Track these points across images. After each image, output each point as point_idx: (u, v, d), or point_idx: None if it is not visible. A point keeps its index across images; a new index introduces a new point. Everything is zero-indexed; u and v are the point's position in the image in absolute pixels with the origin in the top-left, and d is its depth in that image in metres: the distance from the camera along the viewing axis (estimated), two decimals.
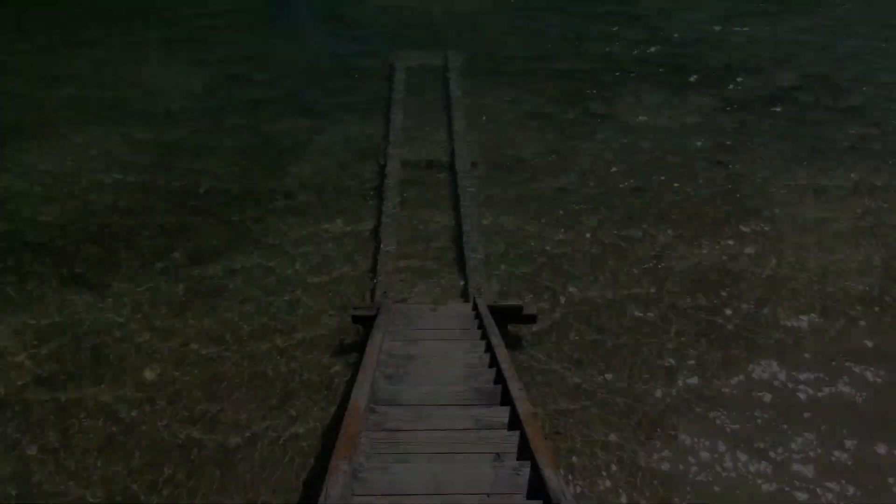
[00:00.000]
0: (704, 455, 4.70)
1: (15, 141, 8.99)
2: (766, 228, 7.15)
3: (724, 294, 6.27)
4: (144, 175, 8.20)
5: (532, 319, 5.72)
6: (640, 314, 6.02)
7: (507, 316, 5.70)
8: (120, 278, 6.49)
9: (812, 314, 6.01)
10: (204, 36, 12.40)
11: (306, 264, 6.74)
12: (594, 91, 10.12)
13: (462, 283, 6.45)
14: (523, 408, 3.78)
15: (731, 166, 8.24)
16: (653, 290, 6.30)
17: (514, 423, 3.75)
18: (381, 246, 6.89)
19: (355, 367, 5.24)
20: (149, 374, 5.42)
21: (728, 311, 6.06)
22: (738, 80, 10.43)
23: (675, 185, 7.92)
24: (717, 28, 12.43)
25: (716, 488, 4.48)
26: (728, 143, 8.75)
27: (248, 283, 6.47)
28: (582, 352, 5.60)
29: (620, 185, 7.91)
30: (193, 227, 7.26)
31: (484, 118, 9.41)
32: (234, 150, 8.73)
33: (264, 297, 6.30)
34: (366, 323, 5.61)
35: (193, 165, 8.39)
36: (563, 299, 6.18)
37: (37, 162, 8.48)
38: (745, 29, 12.34)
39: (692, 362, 5.51)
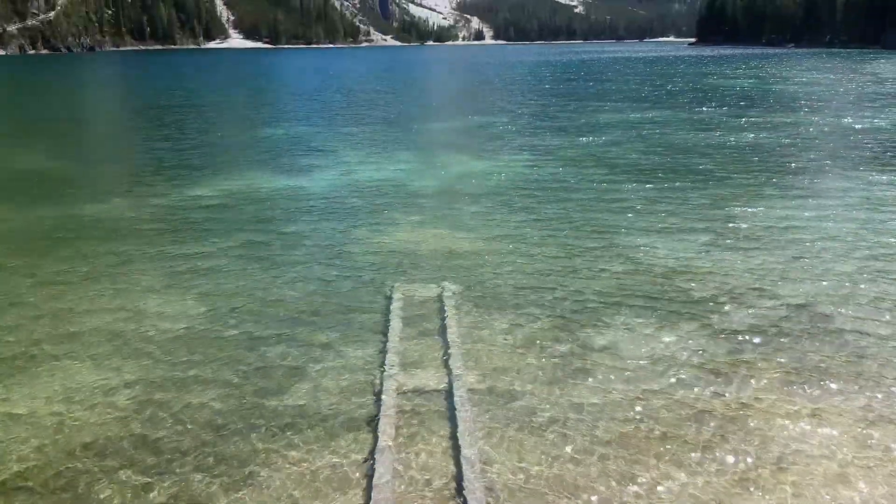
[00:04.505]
0: None
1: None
2: (768, 457, 6.93)
3: None
4: (132, 406, 8.13)
5: None
6: None
7: None
8: None
9: None
10: (206, 270, 13.07)
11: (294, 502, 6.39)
12: (585, 321, 10.45)
13: None
14: None
15: (727, 395, 8.23)
16: None
17: None
18: (374, 481, 6.59)
19: None
20: None
21: None
22: (724, 308, 10.83)
23: (673, 415, 7.83)
24: (695, 260, 13.23)
25: None
26: (721, 370, 8.83)
27: None
28: None
29: (617, 416, 7.81)
30: (176, 466, 7.01)
31: (479, 347, 9.58)
32: (225, 384, 8.69)
33: None
34: None
35: (181, 398, 8.32)
36: None
37: (20, 396, 8.43)
38: (723, 261, 13.13)
39: None
